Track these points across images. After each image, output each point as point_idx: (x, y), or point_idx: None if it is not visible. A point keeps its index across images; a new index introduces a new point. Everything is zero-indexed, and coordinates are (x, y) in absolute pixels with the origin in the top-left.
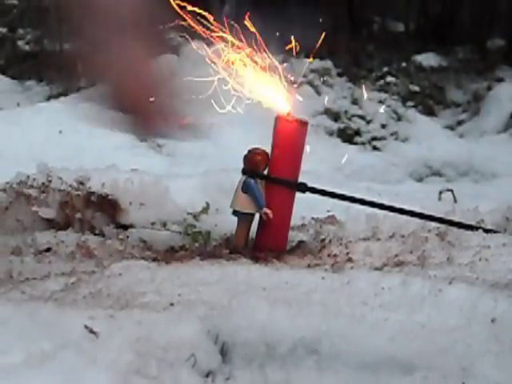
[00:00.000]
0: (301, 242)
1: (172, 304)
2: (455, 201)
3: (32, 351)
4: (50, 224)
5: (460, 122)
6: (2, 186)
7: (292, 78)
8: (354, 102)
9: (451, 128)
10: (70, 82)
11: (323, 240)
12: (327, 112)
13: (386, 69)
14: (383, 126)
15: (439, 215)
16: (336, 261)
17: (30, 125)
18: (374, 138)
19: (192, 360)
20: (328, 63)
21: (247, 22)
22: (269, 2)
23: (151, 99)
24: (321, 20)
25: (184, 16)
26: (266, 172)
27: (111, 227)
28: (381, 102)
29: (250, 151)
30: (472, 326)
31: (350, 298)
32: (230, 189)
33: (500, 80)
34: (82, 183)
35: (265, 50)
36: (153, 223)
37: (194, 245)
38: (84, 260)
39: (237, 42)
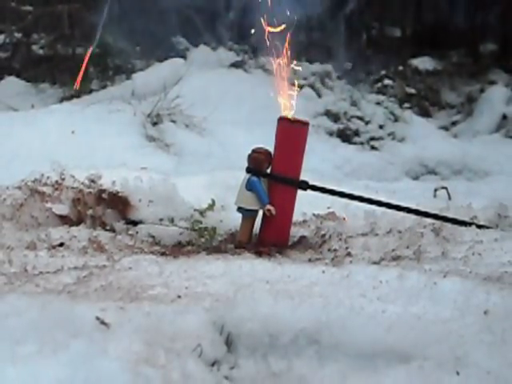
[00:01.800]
0: (302, 238)
1: (179, 296)
2: (449, 198)
3: (46, 341)
4: (63, 220)
5: (454, 123)
6: (17, 184)
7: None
8: (353, 103)
9: (446, 128)
10: (83, 85)
11: (323, 235)
12: (327, 113)
13: (383, 72)
14: (381, 127)
15: (434, 212)
16: (336, 255)
17: (43, 125)
18: (372, 138)
19: (198, 350)
20: (328, 67)
21: None
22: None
23: None
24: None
25: None
26: (269, 170)
27: (121, 223)
28: (378, 103)
29: (253, 151)
30: (465, 318)
31: (349, 290)
32: (234, 186)
33: (492, 83)
34: (93, 181)
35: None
36: (161, 219)
37: (200, 240)
38: (95, 254)
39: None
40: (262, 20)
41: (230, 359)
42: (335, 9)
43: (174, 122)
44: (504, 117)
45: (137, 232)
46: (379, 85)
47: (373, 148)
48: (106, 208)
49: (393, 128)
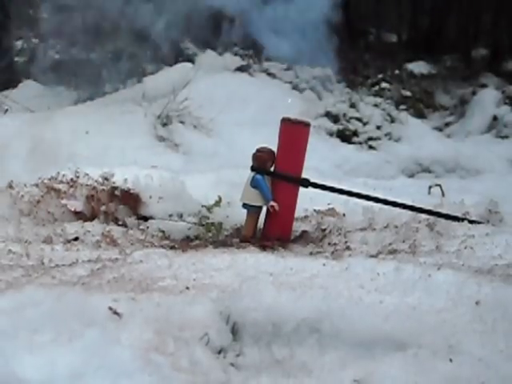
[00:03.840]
0: (304, 232)
1: (188, 288)
2: (443, 195)
3: (61, 330)
4: (78, 216)
5: (447, 124)
6: (34, 182)
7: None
8: (352, 105)
9: (439, 129)
10: (96, 88)
11: (324, 230)
12: (327, 115)
13: (380, 76)
14: (378, 128)
15: (429, 208)
16: (336, 249)
17: (59, 126)
18: (370, 138)
19: (206, 338)
20: (328, 71)
21: None
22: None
23: None
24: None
25: None
26: (272, 169)
27: (133, 218)
28: (376, 105)
29: (258, 150)
30: (458, 308)
31: (348, 282)
32: (240, 184)
33: (483, 86)
34: (106, 179)
35: None
36: (170, 215)
37: (207, 234)
38: (108, 248)
39: None
40: None
41: (235, 347)
42: (335, 17)
43: (182, 122)
44: (494, 118)
45: (147, 227)
46: (376, 88)
47: (371, 147)
48: (119, 204)
49: (389, 129)
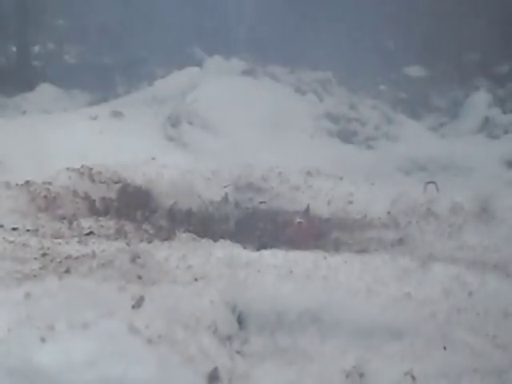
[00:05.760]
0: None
1: (196, 279)
2: (437, 191)
3: (76, 319)
4: (92, 211)
5: (442, 124)
6: (51, 179)
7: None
8: (352, 107)
9: (434, 129)
10: (109, 91)
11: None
12: (328, 116)
13: (378, 79)
14: (376, 128)
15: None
16: (336, 243)
17: (74, 127)
18: (369, 138)
19: (213, 327)
20: (329, 74)
21: None
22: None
23: None
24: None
25: None
26: None
27: (144, 213)
28: (374, 107)
29: None
30: (452, 298)
31: (348, 274)
32: None
33: (476, 88)
34: (119, 176)
35: None
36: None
37: None
38: (121, 241)
39: None
40: None
41: (241, 335)
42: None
43: (191, 123)
44: (486, 119)
45: (157, 221)
46: (375, 90)
47: (369, 147)
48: (130, 200)
49: (387, 129)
